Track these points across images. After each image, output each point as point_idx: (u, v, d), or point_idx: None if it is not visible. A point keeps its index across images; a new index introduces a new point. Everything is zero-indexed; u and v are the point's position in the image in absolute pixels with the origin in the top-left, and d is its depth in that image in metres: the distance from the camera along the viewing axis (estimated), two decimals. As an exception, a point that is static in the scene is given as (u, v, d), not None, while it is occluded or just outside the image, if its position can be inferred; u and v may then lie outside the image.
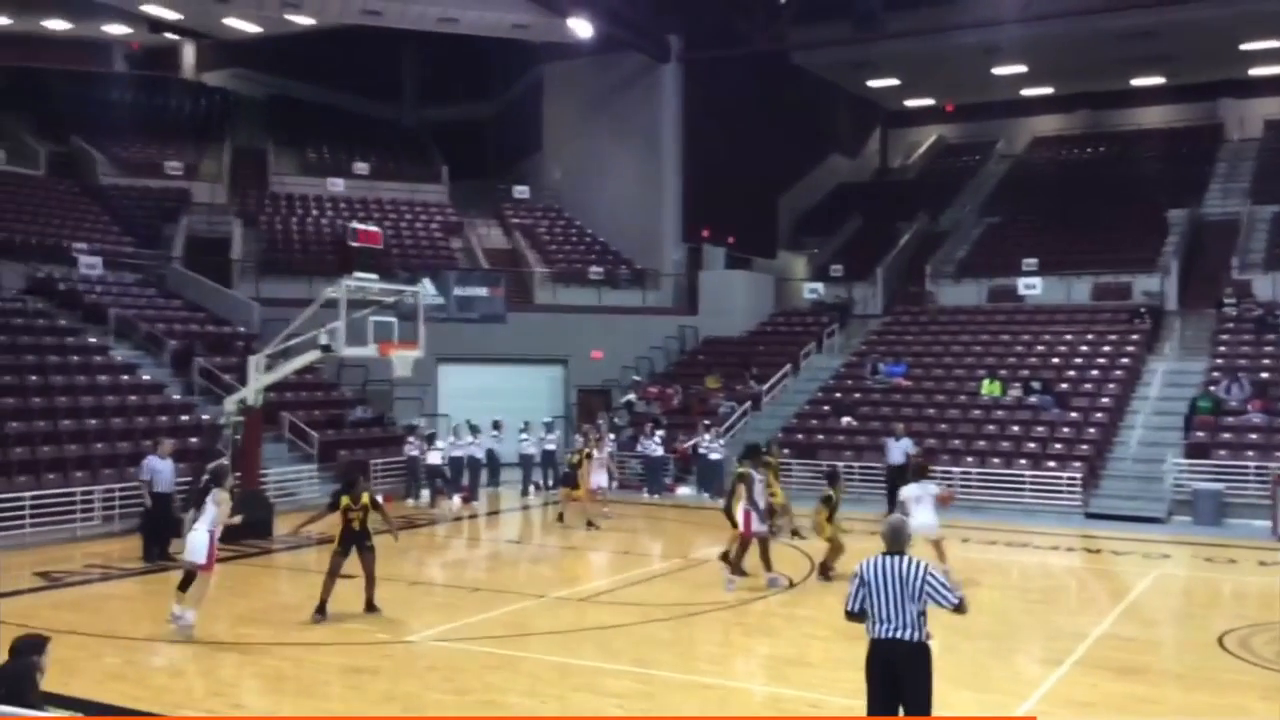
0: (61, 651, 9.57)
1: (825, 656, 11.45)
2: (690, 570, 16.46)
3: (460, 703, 9.88)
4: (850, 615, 7.54)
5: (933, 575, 7.36)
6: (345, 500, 12.99)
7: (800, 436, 26.29)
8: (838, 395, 27.93)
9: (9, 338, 23.16)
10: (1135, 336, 27.89)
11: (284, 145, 38.21)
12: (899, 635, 7.23)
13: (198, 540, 12.11)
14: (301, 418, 24.74)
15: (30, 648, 6.79)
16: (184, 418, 23.17)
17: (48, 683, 7.01)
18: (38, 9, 38.84)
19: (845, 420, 26.47)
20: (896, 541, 7.61)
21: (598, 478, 20.97)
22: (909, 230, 37.42)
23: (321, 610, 12.74)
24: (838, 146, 44.35)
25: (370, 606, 13.04)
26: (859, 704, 7.72)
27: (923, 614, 7.26)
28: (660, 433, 26.07)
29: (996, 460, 23.67)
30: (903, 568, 7.36)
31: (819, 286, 34.43)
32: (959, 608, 7.40)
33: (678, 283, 34.32)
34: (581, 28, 31.00)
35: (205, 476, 13.05)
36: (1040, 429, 24.58)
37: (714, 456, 24.45)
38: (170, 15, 36.35)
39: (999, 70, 38.85)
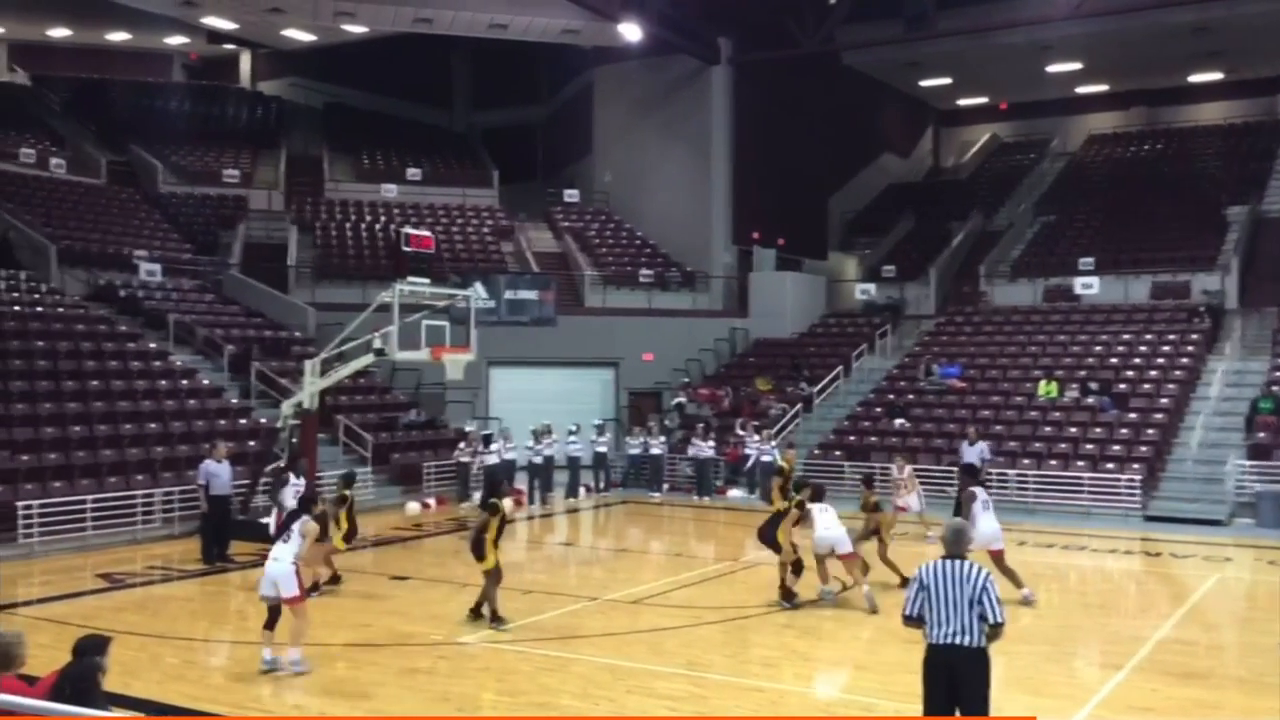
0: (123, 652, 9.78)
1: (878, 660, 11.37)
2: (742, 573, 16.41)
3: (513, 704, 9.94)
4: (908, 620, 7.49)
5: (991, 584, 7.29)
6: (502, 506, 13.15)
7: (852, 439, 26.13)
8: (890, 397, 27.72)
9: (72, 344, 23.64)
10: (1195, 336, 27.40)
11: (338, 152, 38.67)
12: (958, 640, 7.17)
13: (281, 572, 10.95)
14: (356, 421, 25.01)
15: (92, 648, 6.90)
16: (242, 421, 23.51)
17: (109, 683, 7.14)
18: (100, 21, 39.61)
19: (898, 422, 26.27)
20: (958, 545, 7.55)
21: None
22: (962, 230, 37.06)
23: (496, 617, 12.86)
24: (889, 146, 44.05)
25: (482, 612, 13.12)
26: (912, 707, 7.67)
27: (982, 618, 7.19)
28: (711, 435, 26.04)
29: (1054, 462, 23.37)
30: (963, 572, 7.30)
31: (871, 287, 34.19)
32: (996, 628, 7.24)
33: (728, 285, 34.27)
34: (631, 32, 31.05)
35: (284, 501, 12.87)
36: (1098, 430, 24.23)
37: (766, 459, 24.35)
38: (228, 26, 36.94)
39: (1053, 68, 38.38)
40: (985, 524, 13.98)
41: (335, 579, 14.95)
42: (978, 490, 14.61)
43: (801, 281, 34.60)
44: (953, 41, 34.20)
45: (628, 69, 35.25)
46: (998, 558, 13.84)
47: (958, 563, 7.37)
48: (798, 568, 13.91)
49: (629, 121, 36.14)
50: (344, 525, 14.74)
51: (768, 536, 14.16)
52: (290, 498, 15.27)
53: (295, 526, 11.29)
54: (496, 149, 41.76)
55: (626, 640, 12.36)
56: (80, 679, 6.55)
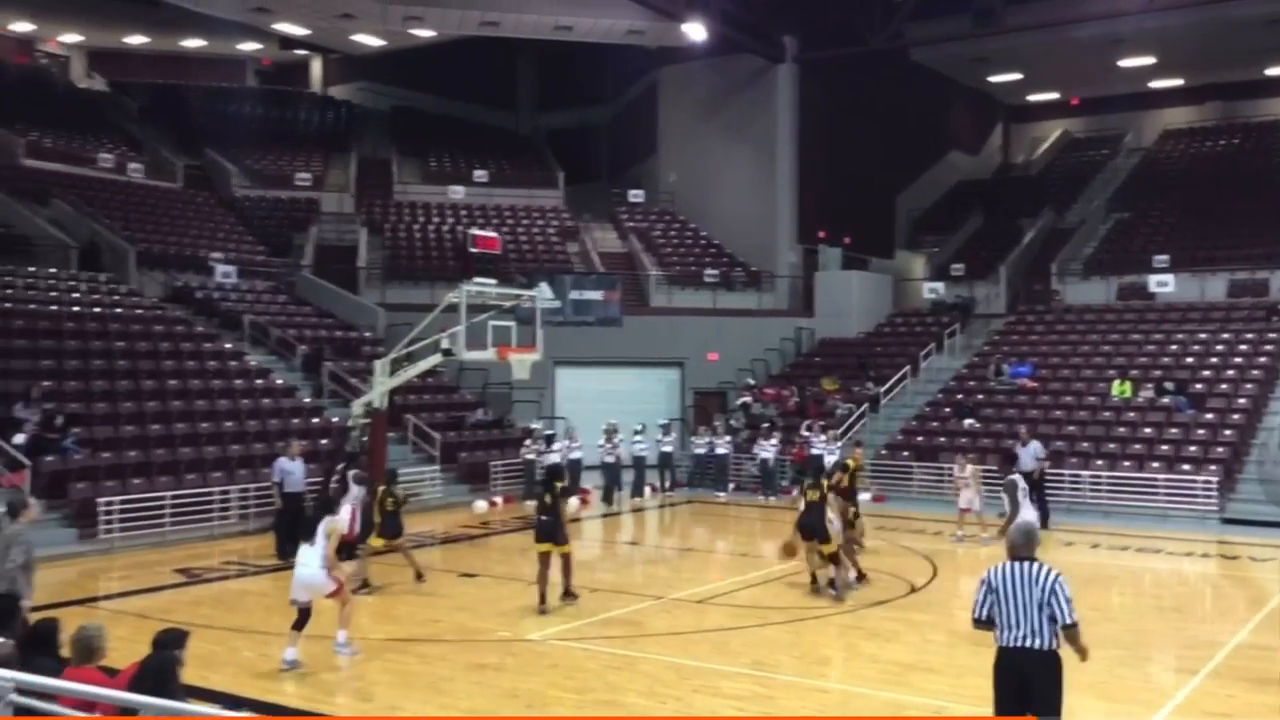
0: (200, 645, 9.98)
1: (947, 662, 11.27)
2: (807, 573, 16.31)
3: (581, 701, 10.00)
4: (978, 623, 7.42)
5: (1061, 585, 7.17)
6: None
7: (920, 439, 25.89)
8: (959, 397, 27.41)
9: (150, 344, 24.21)
10: (1273, 334, 26.75)
11: (407, 155, 39.15)
12: (1029, 643, 7.09)
13: (312, 578, 11.12)
14: (425, 420, 25.30)
15: (171, 641, 7.07)
16: (314, 420, 23.91)
17: (187, 675, 7.30)
18: (176, 28, 40.51)
19: (967, 422, 25.96)
20: (1027, 548, 7.46)
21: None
22: (1033, 227, 36.50)
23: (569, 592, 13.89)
24: (958, 143, 43.49)
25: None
26: (982, 710, 7.60)
27: (1052, 620, 7.10)
28: (776, 435, 25.95)
29: (1128, 463, 22.96)
30: (1033, 574, 7.22)
31: (939, 286, 33.80)
32: (1070, 629, 7.14)
33: (793, 284, 34.10)
34: (696, 31, 30.99)
35: (317, 501, 13.19)
36: (1174, 431, 23.75)
37: (832, 459, 24.16)
38: (300, 32, 37.55)
39: (1125, 62, 37.64)
40: (1024, 512, 14.29)
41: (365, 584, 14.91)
42: (1018, 478, 14.96)
43: (868, 280, 34.33)
44: (1022, 36, 33.75)
45: (692, 69, 35.23)
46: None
47: (1026, 564, 7.29)
48: (835, 559, 14.25)
49: (693, 121, 36.11)
50: (376, 520, 15.19)
51: (818, 529, 14.21)
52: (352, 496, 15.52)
53: (320, 528, 11.33)
54: (562, 150, 41.99)
55: (692, 639, 12.38)
56: (159, 671, 6.70)
